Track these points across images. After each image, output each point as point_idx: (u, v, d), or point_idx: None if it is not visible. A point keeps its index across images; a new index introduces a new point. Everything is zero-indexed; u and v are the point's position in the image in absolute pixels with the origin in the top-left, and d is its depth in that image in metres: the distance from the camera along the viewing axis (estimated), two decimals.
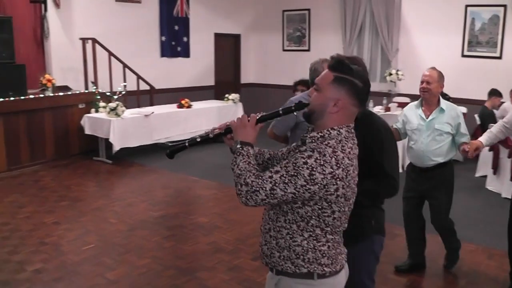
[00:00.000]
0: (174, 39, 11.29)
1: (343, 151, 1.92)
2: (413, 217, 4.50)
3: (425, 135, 4.18)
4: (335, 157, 1.88)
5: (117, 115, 8.40)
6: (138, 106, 9.73)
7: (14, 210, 6.21)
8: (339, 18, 11.37)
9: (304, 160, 1.86)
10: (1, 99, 7.66)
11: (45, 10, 9.19)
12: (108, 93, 9.05)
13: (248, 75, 13.29)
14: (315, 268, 2.00)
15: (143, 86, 10.07)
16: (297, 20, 12.11)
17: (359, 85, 1.97)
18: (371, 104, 8.88)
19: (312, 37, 11.95)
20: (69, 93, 8.94)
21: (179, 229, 5.62)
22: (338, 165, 1.87)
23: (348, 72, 1.96)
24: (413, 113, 4.29)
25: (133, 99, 9.74)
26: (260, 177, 1.90)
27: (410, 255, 4.60)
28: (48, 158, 8.50)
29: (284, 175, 1.87)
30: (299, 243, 1.99)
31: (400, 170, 3.73)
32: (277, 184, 1.87)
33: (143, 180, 7.74)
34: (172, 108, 9.71)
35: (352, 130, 2.03)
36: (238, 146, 2.01)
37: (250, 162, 1.97)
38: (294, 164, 1.88)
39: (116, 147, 8.35)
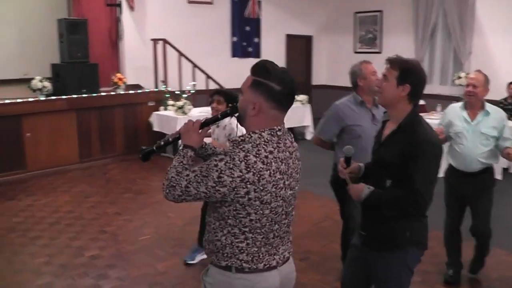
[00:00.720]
0: (245, 40, 11.45)
1: (257, 155, 1.95)
2: (455, 228, 4.32)
3: (471, 139, 4.00)
4: (245, 161, 1.93)
5: (184, 113, 8.62)
6: (207, 105, 9.92)
7: (81, 199, 6.56)
8: (411, 19, 11.06)
9: (215, 163, 1.95)
10: (75, 96, 8.10)
11: (120, 12, 9.63)
12: (177, 92, 9.32)
13: (319, 76, 13.22)
14: (233, 262, 2.09)
15: (213, 86, 10.26)
16: (369, 22, 11.92)
17: (275, 88, 2.00)
18: (439, 108, 8.57)
19: (383, 39, 11.72)
20: (139, 91, 9.29)
21: None
22: (248, 169, 1.93)
23: (264, 76, 2.01)
24: (456, 116, 4.09)
25: (202, 98, 9.94)
26: (180, 174, 2.04)
27: (452, 264, 4.39)
28: (118, 152, 8.88)
29: (198, 175, 1.98)
30: (219, 238, 2.10)
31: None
32: (191, 183, 2.00)
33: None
34: None
35: (278, 133, 2.05)
36: (180, 148, 2.14)
37: (182, 162, 2.09)
38: (207, 166, 1.97)
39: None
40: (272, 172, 1.99)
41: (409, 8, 11.08)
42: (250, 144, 1.98)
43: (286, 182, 2.08)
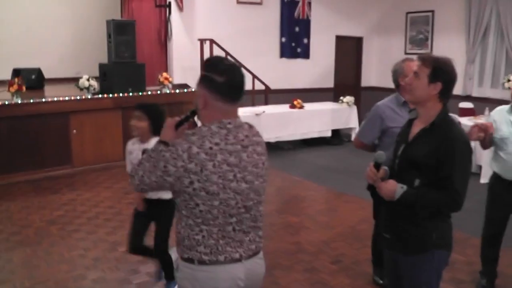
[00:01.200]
0: (294, 41, 11.37)
1: (201, 146, 2.02)
2: (495, 239, 4.04)
3: None
4: (188, 152, 2.00)
5: None
6: (253, 105, 9.94)
7: (121, 195, 6.67)
8: (463, 20, 10.65)
9: (163, 153, 2.04)
10: (121, 94, 8.27)
11: (169, 13, 9.78)
12: None
13: (369, 78, 12.96)
14: (194, 255, 2.13)
15: (259, 86, 10.27)
16: (420, 22, 11.57)
17: (218, 80, 2.06)
18: (487, 111, 8.21)
19: (434, 40, 11.34)
20: (185, 90, 9.38)
21: (269, 226, 5.62)
22: (191, 159, 2.00)
23: (208, 69, 2.09)
24: (503, 119, 3.80)
25: (248, 98, 9.96)
26: (140, 165, 2.12)
27: (486, 273, 4.12)
28: None
29: (150, 165, 2.07)
30: (179, 230, 2.17)
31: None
32: (145, 172, 2.09)
33: None
34: (284, 108, 9.77)
35: (228, 126, 2.10)
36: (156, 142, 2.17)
37: (150, 155, 2.11)
38: (157, 156, 2.06)
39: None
40: (217, 164, 2.04)
41: (461, 8, 10.69)
42: (197, 136, 2.05)
43: (238, 175, 2.10)
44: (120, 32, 8.37)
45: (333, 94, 12.10)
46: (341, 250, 4.98)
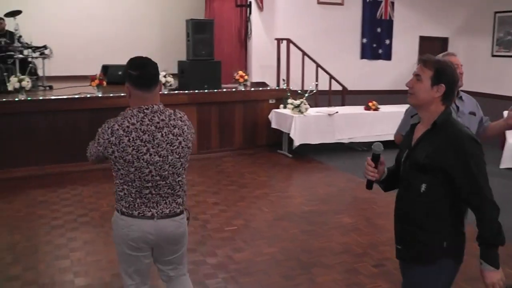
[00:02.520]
0: (375, 42, 11.22)
1: (121, 125, 2.64)
2: None
3: None
4: (112, 128, 2.65)
5: (300, 112, 8.71)
6: (329, 105, 9.95)
7: (187, 187, 6.96)
8: None
9: (98, 130, 2.72)
10: (197, 91, 8.62)
11: (249, 13, 10.02)
12: (299, 91, 9.45)
13: None
14: (118, 206, 2.80)
15: (336, 87, 10.24)
16: (509, 23, 10.92)
17: (132, 73, 2.69)
18: None
19: None
20: (260, 88, 9.58)
21: (320, 225, 5.68)
22: (112, 133, 2.64)
23: (127, 67, 2.73)
24: None
25: (325, 98, 9.98)
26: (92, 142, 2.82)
27: None
28: (236, 147, 9.24)
29: (95, 140, 2.77)
30: (114, 185, 2.81)
31: None
32: (90, 145, 2.83)
33: (313, 176, 7.94)
34: (359, 109, 9.68)
35: (146, 111, 2.68)
36: None
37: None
38: (97, 133, 2.74)
39: (296, 142, 8.67)
40: (132, 139, 2.63)
41: None
42: (121, 117, 2.69)
43: (152, 150, 2.67)
44: (199, 31, 8.72)
45: None
46: (388, 254, 4.90)
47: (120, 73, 9.97)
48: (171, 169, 2.75)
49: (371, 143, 6.78)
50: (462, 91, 3.84)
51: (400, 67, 11.55)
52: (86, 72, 8.29)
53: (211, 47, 8.88)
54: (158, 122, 2.69)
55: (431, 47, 12.03)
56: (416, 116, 2.57)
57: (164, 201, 2.78)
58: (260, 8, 10.02)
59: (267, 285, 4.28)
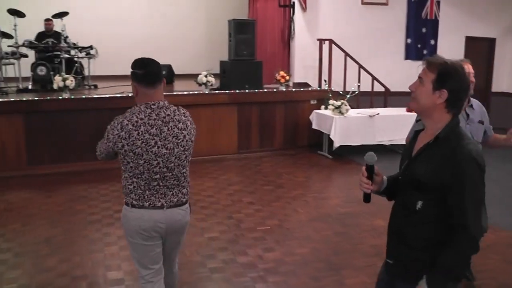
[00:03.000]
0: (420, 42, 11.01)
1: (130, 120, 2.82)
2: None
3: None
4: (121, 123, 2.82)
5: (341, 113, 8.64)
6: (371, 107, 9.81)
7: (224, 186, 7.04)
8: None
9: (107, 127, 2.89)
10: (237, 91, 8.67)
11: (293, 13, 10.02)
12: (341, 92, 9.37)
13: (500, 83, 12.05)
14: (128, 200, 2.96)
15: (378, 88, 10.09)
16: None
17: (138, 72, 2.89)
18: None
19: None
20: (302, 89, 9.55)
21: (353, 227, 5.61)
22: (122, 129, 2.81)
23: (132, 66, 2.93)
24: None
25: (367, 99, 9.86)
26: (101, 140, 3.00)
27: None
28: (276, 147, 9.25)
29: (104, 138, 2.94)
30: (122, 181, 2.98)
31: None
32: (100, 144, 3.01)
33: (352, 177, 7.84)
34: (400, 111, 9.49)
35: (152, 106, 2.86)
36: None
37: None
38: (106, 130, 2.91)
39: (336, 144, 8.61)
40: (141, 133, 2.81)
41: None
42: (129, 113, 2.86)
43: (159, 143, 2.86)
44: (240, 31, 8.79)
45: None
46: None
47: (164, 72, 10.18)
48: (177, 161, 2.96)
49: None
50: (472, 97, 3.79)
51: None
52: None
53: (253, 47, 8.93)
54: (164, 117, 2.89)
55: (478, 48, 11.72)
56: (421, 122, 2.36)
57: (171, 192, 2.98)
58: (304, 8, 10.00)
59: (294, 286, 4.27)
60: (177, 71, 10.82)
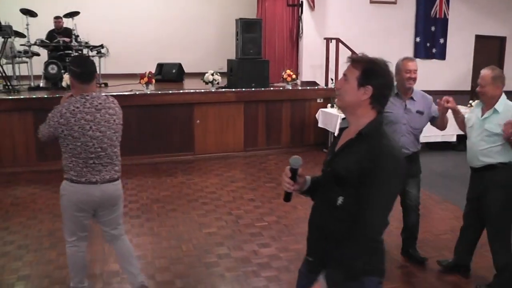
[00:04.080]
0: (429, 40, 11.00)
1: (68, 109, 3.37)
2: (469, 219, 4.37)
3: (476, 134, 4.09)
4: (60, 112, 3.38)
5: None
6: None
7: (226, 183, 7.15)
8: None
9: (49, 114, 3.42)
10: (244, 89, 8.78)
11: (301, 12, 10.09)
12: None
13: (511, 82, 11.95)
14: (68, 176, 3.51)
15: None
16: None
17: (75, 70, 3.44)
18: None
19: None
20: (308, 88, 9.62)
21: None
22: (61, 116, 3.36)
23: (70, 64, 3.57)
24: (474, 111, 4.24)
25: None
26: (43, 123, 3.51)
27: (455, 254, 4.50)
28: (283, 145, 9.34)
29: (45, 122, 3.45)
30: (62, 160, 3.52)
31: None
32: (41, 128, 3.51)
33: None
34: None
35: (87, 97, 3.42)
36: None
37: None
38: (48, 116, 3.45)
39: None
40: (77, 119, 3.36)
41: None
42: (67, 103, 3.41)
43: (94, 127, 3.40)
44: (248, 30, 8.89)
45: (469, 98, 11.42)
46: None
47: (174, 71, 10.36)
48: (109, 141, 3.51)
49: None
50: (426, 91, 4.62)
51: (455, 67, 11.27)
52: (142, 70, 8.63)
53: (260, 46, 9.03)
54: (96, 105, 3.44)
55: (488, 46, 11.66)
56: (346, 120, 2.34)
57: (105, 169, 3.52)
58: (312, 7, 10.05)
59: (286, 280, 4.35)
60: (187, 69, 10.96)
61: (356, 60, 2.21)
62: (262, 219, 5.79)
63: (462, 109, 9.68)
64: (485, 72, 4.02)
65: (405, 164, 2.20)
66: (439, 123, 4.61)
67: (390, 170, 2.10)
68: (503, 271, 4.06)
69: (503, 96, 4.03)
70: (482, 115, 4.05)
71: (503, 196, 3.97)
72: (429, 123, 4.68)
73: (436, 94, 10.52)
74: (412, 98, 4.50)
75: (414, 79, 4.44)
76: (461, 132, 4.56)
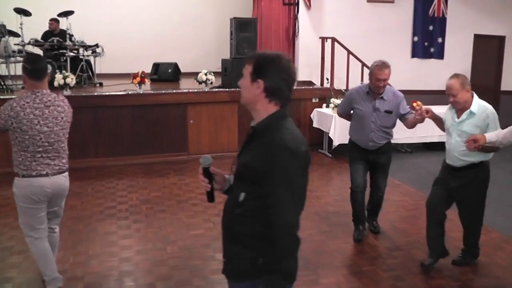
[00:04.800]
0: (427, 40, 10.89)
1: (18, 103, 3.58)
2: (435, 207, 4.47)
3: (454, 135, 4.26)
4: (11, 106, 3.57)
5: None
6: None
7: None
8: None
9: (0, 108, 3.58)
10: (238, 89, 8.70)
11: (297, 11, 10.02)
12: (343, 90, 9.35)
13: (510, 82, 11.83)
14: (18, 170, 3.67)
15: None
16: None
17: (28, 67, 3.66)
18: None
19: None
20: (303, 87, 9.55)
21: (341, 227, 5.60)
22: (11, 110, 3.55)
23: (24, 61, 3.79)
24: (449, 112, 4.36)
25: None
26: None
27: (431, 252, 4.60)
28: None
29: None
30: (13, 155, 3.68)
31: None
32: None
33: (348, 177, 7.79)
34: None
35: (37, 93, 3.64)
36: None
37: None
38: None
39: (335, 142, 8.59)
40: (26, 113, 3.55)
41: None
42: (18, 98, 3.63)
43: (41, 122, 3.60)
44: (242, 29, 8.83)
45: None
46: (402, 259, 4.81)
47: (170, 70, 10.32)
48: (56, 137, 3.70)
49: (415, 144, 7.09)
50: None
51: (453, 66, 11.08)
52: (138, 70, 8.60)
53: (254, 46, 8.95)
54: (46, 102, 3.65)
55: (487, 46, 11.56)
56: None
57: (53, 162, 3.71)
58: (308, 6, 9.99)
59: None
60: (183, 69, 10.91)
61: (249, 57, 2.24)
62: None
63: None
64: (451, 81, 4.16)
65: (306, 154, 2.17)
66: (410, 124, 4.92)
67: (285, 163, 2.06)
68: (472, 248, 4.60)
69: (475, 96, 4.21)
70: (458, 117, 4.22)
71: (482, 189, 4.36)
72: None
73: (434, 94, 10.53)
74: (382, 98, 4.86)
75: (384, 86, 4.84)
76: None
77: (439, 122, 4.56)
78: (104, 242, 5.06)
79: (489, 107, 4.20)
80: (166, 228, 5.46)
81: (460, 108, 4.19)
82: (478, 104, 4.17)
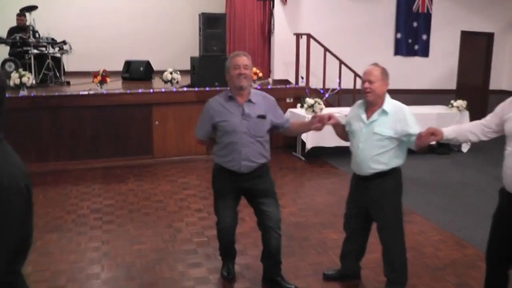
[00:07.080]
0: (411, 37, 10.54)
1: None
2: (356, 233, 4.13)
3: (363, 139, 3.71)
4: None
5: (314, 112, 8.25)
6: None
7: (177, 190, 6.84)
8: None
9: None
10: (207, 89, 8.35)
11: (273, 6, 9.65)
12: (320, 90, 9.00)
13: (499, 80, 11.47)
14: None
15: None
16: None
17: None
18: None
19: None
20: (278, 86, 9.19)
21: (300, 241, 5.17)
22: None
23: None
24: (355, 113, 3.86)
25: (349, 97, 9.43)
26: None
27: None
28: None
29: None
30: None
31: None
32: None
33: (318, 182, 7.48)
34: None
35: None
36: None
37: None
38: None
39: (308, 146, 8.25)
40: None
41: None
42: None
43: None
44: (210, 26, 8.46)
45: (454, 97, 10.95)
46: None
47: (142, 69, 9.95)
48: None
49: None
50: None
51: (439, 64, 10.80)
52: (108, 68, 8.25)
53: (224, 43, 8.58)
54: None
55: (475, 43, 11.17)
56: None
57: None
58: (284, 1, 9.61)
59: None
60: (156, 67, 10.51)
61: None
62: (203, 233, 5.37)
63: (442, 109, 9.36)
64: (372, 67, 3.74)
65: (26, 192, 1.83)
66: (297, 131, 4.54)
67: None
68: (399, 273, 3.93)
69: (387, 95, 3.80)
70: (368, 118, 3.73)
71: (396, 200, 3.85)
72: None
73: (419, 94, 10.16)
74: (250, 101, 3.88)
75: (246, 76, 3.84)
76: None
77: (339, 127, 4.02)
78: (41, 258, 4.68)
79: (404, 106, 3.77)
80: (109, 242, 5.07)
81: (372, 103, 3.71)
82: (393, 104, 3.74)
